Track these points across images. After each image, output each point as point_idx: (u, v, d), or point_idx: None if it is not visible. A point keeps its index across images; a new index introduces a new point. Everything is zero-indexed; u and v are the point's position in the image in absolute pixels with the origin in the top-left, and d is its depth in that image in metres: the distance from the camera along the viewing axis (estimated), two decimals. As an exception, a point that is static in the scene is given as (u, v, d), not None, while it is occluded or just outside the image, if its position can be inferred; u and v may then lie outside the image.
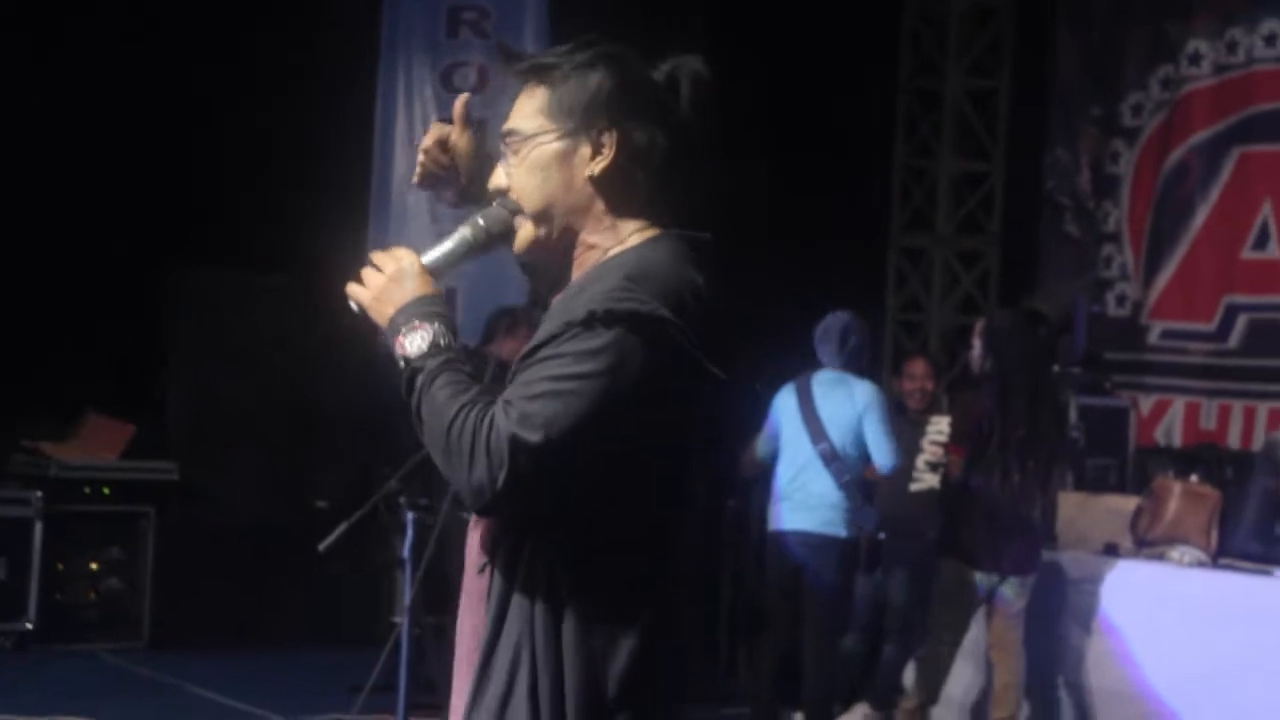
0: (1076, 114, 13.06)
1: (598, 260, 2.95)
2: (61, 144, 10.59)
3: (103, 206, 10.79)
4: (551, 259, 3.04)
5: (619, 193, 2.96)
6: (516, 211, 2.99)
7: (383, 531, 9.18)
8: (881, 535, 9.23)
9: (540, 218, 2.97)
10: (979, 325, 8.61)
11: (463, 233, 3.05)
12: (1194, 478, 8.84)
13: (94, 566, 10.45)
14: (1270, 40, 11.84)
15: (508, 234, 3.01)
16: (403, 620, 6.24)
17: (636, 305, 2.76)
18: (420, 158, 3.31)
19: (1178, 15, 12.38)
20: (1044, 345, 8.57)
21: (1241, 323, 11.88)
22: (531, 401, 2.70)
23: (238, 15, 10.99)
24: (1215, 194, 12.08)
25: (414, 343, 2.85)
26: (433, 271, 3.00)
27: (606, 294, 2.77)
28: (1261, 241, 11.78)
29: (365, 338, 11.00)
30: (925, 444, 9.13)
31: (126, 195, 10.80)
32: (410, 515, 6.46)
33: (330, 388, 11.03)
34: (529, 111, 2.98)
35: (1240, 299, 11.90)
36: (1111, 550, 8.75)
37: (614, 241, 2.97)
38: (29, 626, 10.20)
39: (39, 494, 10.25)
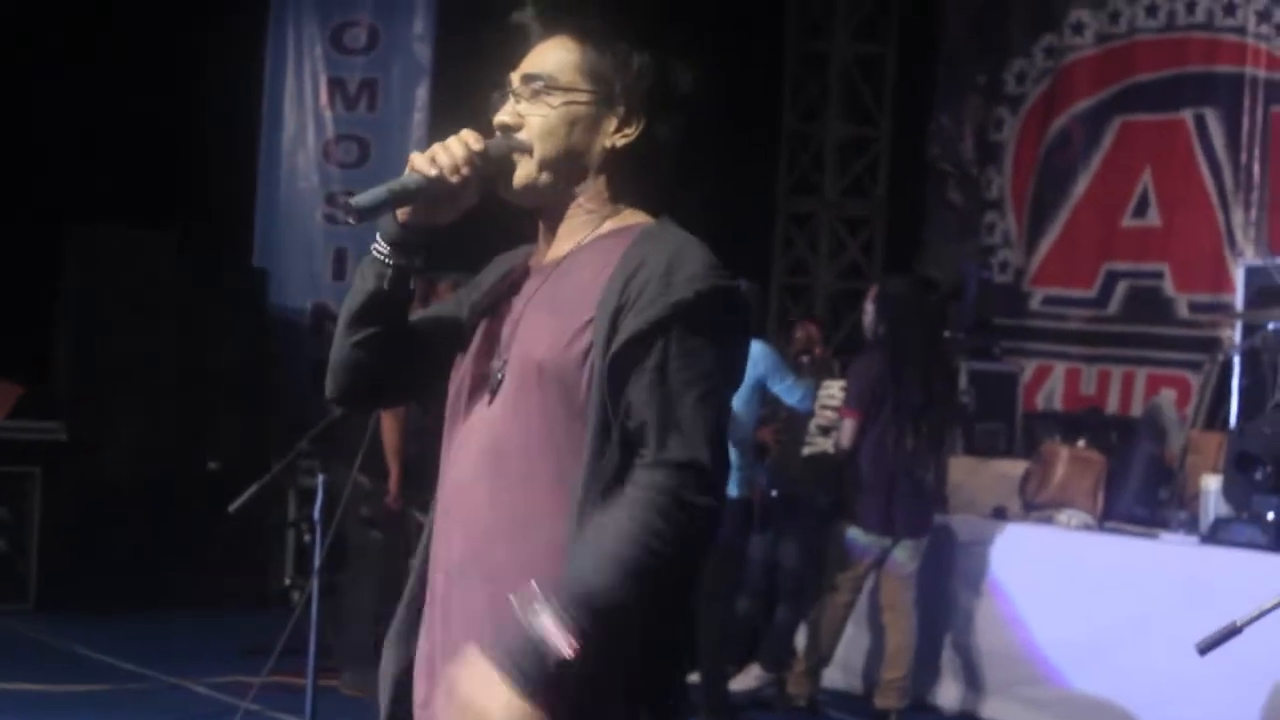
0: (961, 81, 13.19)
1: (596, 228, 2.99)
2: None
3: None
4: (538, 206, 3.04)
5: (627, 171, 3.00)
6: (521, 151, 2.98)
7: (274, 494, 9.18)
8: (774, 493, 9.34)
9: (548, 165, 2.98)
10: (872, 291, 8.71)
11: None
12: (1080, 442, 9.00)
13: (-20, 526, 10.36)
14: (1152, 11, 12.01)
15: (503, 168, 2.99)
16: (314, 581, 6.22)
17: (735, 283, 2.86)
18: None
19: (1062, -16, 12.54)
20: (935, 311, 8.68)
21: (1121, 289, 12.07)
22: (691, 429, 2.77)
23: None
24: (1096, 162, 12.26)
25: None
26: (418, 191, 2.93)
27: (706, 272, 2.82)
28: (1141, 209, 11.96)
29: (255, 298, 10.93)
30: (817, 408, 9.20)
31: (14, 152, 10.69)
32: (321, 478, 6.44)
33: (221, 347, 10.96)
34: (563, 63, 3.00)
35: (1120, 266, 12.08)
36: (1000, 514, 8.89)
37: (610, 213, 3.00)
38: (-86, 587, 10.12)
39: (-75, 454, 10.16)
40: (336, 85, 11.85)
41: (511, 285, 3.08)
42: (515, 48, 3.07)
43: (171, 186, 10.95)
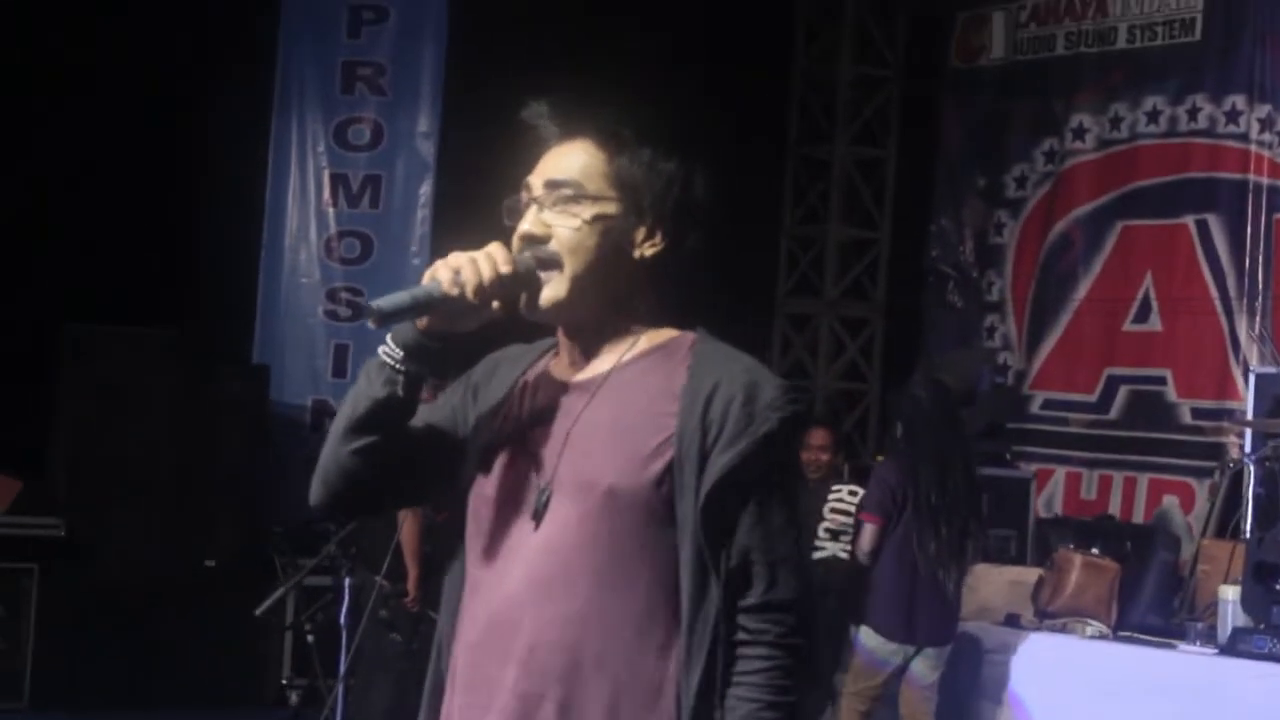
0: (961, 184, 13.20)
1: (634, 344, 2.90)
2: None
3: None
4: (566, 323, 2.93)
5: (657, 283, 2.91)
6: (550, 266, 2.86)
7: (273, 592, 9.09)
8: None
9: (579, 282, 2.85)
10: (901, 397, 8.69)
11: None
12: (1094, 550, 8.91)
13: (-25, 623, 10.22)
14: (1153, 116, 12.03)
15: (528, 285, 2.86)
16: (339, 687, 6.14)
17: (801, 406, 2.89)
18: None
19: (1063, 89, 12.56)
20: (951, 415, 8.62)
21: (1122, 394, 12.04)
22: (791, 567, 2.83)
23: (131, 67, 10.85)
24: (1098, 266, 12.24)
25: None
26: (442, 301, 2.81)
27: (783, 398, 2.84)
28: (1143, 314, 11.94)
29: (255, 395, 10.85)
30: (826, 511, 9.13)
31: (16, 250, 10.62)
32: (348, 580, 6.37)
33: (221, 444, 10.87)
34: (590, 170, 2.88)
35: (1121, 370, 12.05)
36: (1013, 621, 8.78)
37: (644, 328, 2.91)
38: (-93, 685, 9.97)
39: (-79, 550, 10.02)
40: (339, 181, 11.81)
41: (534, 400, 2.94)
42: (525, 148, 2.95)
43: (173, 283, 10.89)
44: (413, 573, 7.91)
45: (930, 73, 13.45)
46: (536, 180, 2.90)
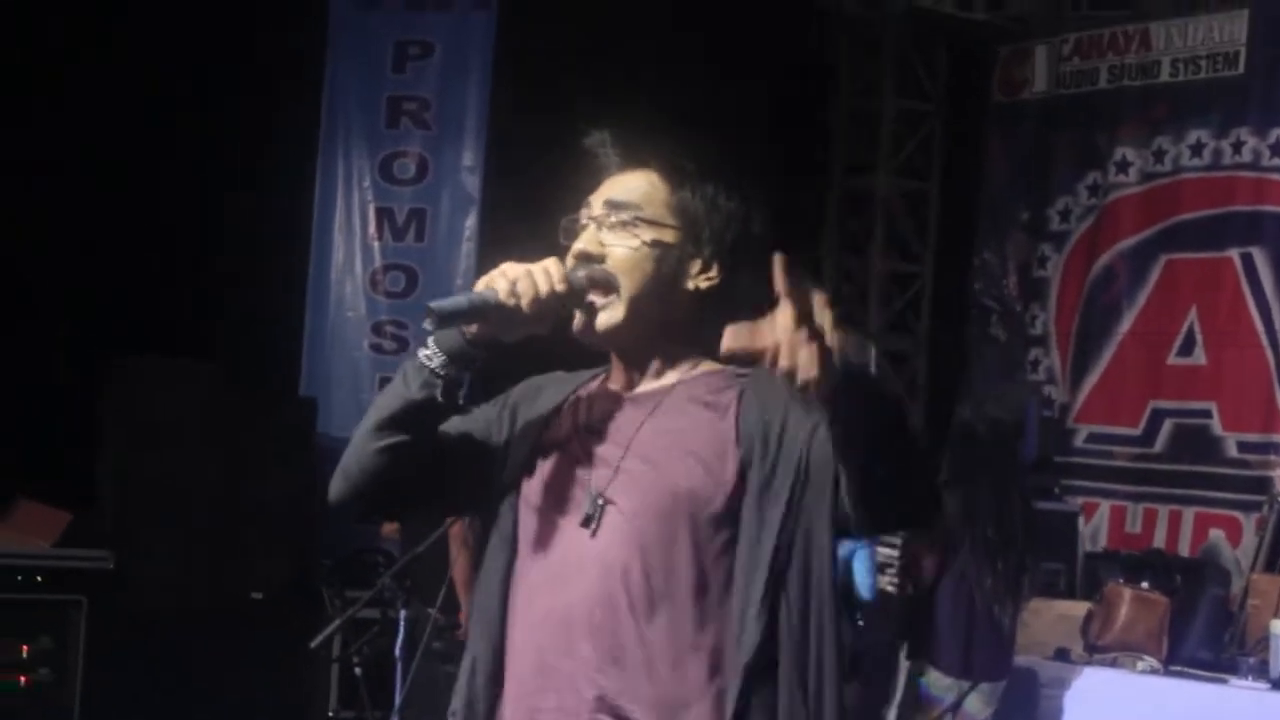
0: (1004, 217, 13.19)
1: (695, 364, 2.95)
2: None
3: (37, 292, 10.66)
4: (620, 347, 2.97)
5: (709, 315, 2.92)
6: (605, 286, 2.89)
7: (320, 624, 9.09)
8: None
9: (635, 305, 2.89)
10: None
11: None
12: (1144, 584, 8.89)
13: (24, 655, 10.21)
14: (1197, 149, 12.02)
15: (582, 304, 2.90)
16: (395, 715, 6.16)
17: None
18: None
19: (1106, 123, 12.55)
20: (1006, 447, 8.61)
21: (1167, 428, 12.00)
22: None
23: (174, 101, 10.90)
24: (1142, 300, 12.22)
25: None
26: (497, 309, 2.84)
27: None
28: (1187, 348, 11.91)
29: (303, 428, 10.85)
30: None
31: (62, 281, 10.67)
32: (404, 613, 6.38)
33: (267, 477, 10.88)
34: (652, 197, 2.93)
35: (1166, 404, 12.02)
36: (1063, 655, 8.77)
37: (700, 356, 2.96)
38: (-45, 716, 9.98)
39: (-32, 581, 10.03)
40: (385, 215, 11.84)
41: (590, 413, 2.96)
42: (570, 181, 3.00)
43: (219, 315, 10.93)
44: (465, 604, 7.92)
45: (973, 106, 13.45)
46: (597, 200, 2.94)
